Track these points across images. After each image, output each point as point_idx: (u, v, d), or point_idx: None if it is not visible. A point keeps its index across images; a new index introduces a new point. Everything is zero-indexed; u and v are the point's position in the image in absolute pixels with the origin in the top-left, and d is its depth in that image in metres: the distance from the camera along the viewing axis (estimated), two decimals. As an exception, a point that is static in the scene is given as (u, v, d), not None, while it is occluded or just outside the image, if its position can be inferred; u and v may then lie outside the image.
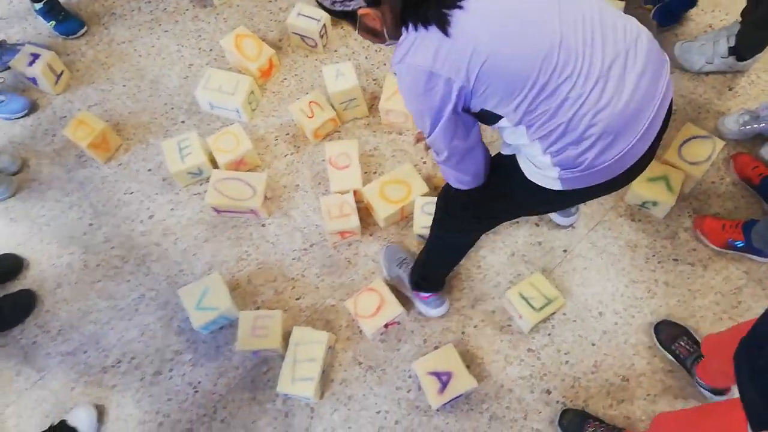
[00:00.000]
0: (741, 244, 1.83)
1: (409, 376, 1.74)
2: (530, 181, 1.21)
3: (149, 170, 2.13)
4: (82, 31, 2.43)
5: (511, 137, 1.18)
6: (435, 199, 1.74)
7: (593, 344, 1.78)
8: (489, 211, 1.39)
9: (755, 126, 2.03)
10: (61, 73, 2.30)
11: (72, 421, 1.62)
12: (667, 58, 1.18)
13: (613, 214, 1.99)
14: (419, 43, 1.03)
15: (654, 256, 1.91)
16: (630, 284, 1.87)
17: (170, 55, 2.39)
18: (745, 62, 2.17)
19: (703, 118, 2.13)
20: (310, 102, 2.13)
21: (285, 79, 2.31)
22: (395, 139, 2.16)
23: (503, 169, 1.27)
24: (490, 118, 1.14)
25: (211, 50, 2.39)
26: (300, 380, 1.63)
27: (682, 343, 1.71)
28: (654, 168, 1.92)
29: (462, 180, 1.27)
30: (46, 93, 2.29)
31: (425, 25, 1.02)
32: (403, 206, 1.92)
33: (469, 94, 1.06)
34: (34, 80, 2.24)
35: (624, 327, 1.81)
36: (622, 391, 1.72)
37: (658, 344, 1.76)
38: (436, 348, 1.77)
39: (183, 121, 2.23)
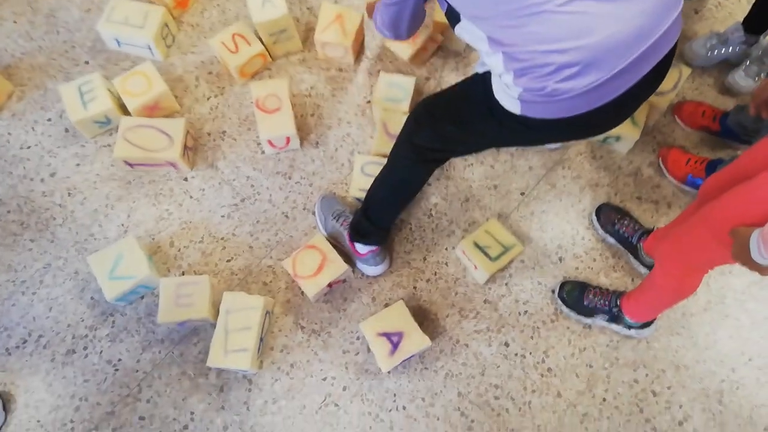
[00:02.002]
0: (700, 182, 1.78)
1: (357, 338, 1.65)
2: (495, 100, 1.19)
3: (49, 120, 1.90)
4: (-42, -44, 2.12)
5: (474, 40, 1.15)
6: (376, 158, 1.62)
7: (553, 291, 1.72)
8: (454, 129, 1.35)
9: (722, 50, 1.96)
10: (-66, 8, 2.01)
11: (-30, 413, 1.47)
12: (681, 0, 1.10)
13: (573, 151, 1.90)
14: None
15: (616, 194, 1.85)
16: (590, 226, 1.80)
17: (68, -17, 2.12)
18: (711, -19, 2.07)
19: (668, 44, 2.04)
20: (234, 35, 1.92)
21: (205, 9, 2.09)
22: (335, 76, 1.99)
23: (474, 89, 1.27)
24: (453, 14, 1.17)
25: (116, -23, 2.12)
26: (234, 352, 1.51)
27: (626, 222, 1.72)
28: (616, 99, 1.84)
29: (383, 22, 1.45)
30: None
31: None
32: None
33: None
34: None
35: (585, 272, 1.75)
36: (584, 338, 1.68)
37: (599, 228, 1.77)
38: (386, 306, 1.67)
39: (87, 62, 1.99)
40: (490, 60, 1.14)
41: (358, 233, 1.63)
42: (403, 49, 1.93)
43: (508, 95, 1.15)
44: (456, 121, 1.34)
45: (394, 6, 1.38)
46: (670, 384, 1.64)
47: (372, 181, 1.59)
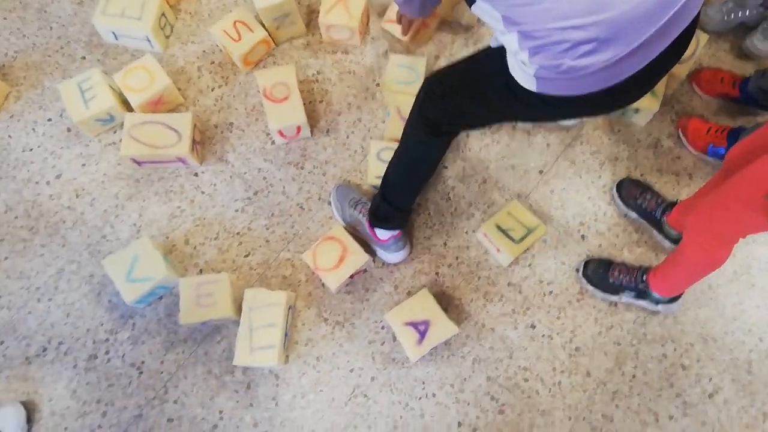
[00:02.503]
0: (723, 151, 1.77)
1: (382, 327, 1.65)
2: (511, 76, 1.17)
3: (49, 120, 1.87)
4: (-60, -48, 2.07)
5: (488, 19, 1.11)
6: (391, 144, 1.58)
7: (577, 270, 1.72)
8: (468, 102, 1.34)
9: (740, 14, 1.93)
10: None
11: (-4, 424, 1.47)
12: None
13: (590, 126, 1.89)
14: None
15: (636, 168, 1.84)
16: (612, 202, 1.80)
17: (57, -25, 2.07)
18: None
19: (681, 9, 2.01)
20: (236, 22, 1.89)
21: (202, -5, 2.05)
22: (340, 59, 1.97)
23: (489, 61, 1.25)
24: None
25: (106, -34, 2.08)
26: (260, 349, 1.52)
27: (648, 196, 1.72)
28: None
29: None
30: None
31: None
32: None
33: None
34: None
35: (608, 248, 1.76)
36: (611, 316, 1.69)
37: (620, 203, 1.77)
38: (408, 294, 1.68)
39: (84, 57, 1.96)
40: (504, 38, 1.12)
41: (378, 218, 1.62)
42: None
43: (524, 72, 1.13)
44: (470, 94, 1.32)
45: None
46: (699, 357, 1.65)
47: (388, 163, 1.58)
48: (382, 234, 1.63)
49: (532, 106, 1.24)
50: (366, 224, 1.64)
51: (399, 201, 1.59)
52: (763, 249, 1.75)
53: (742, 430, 1.58)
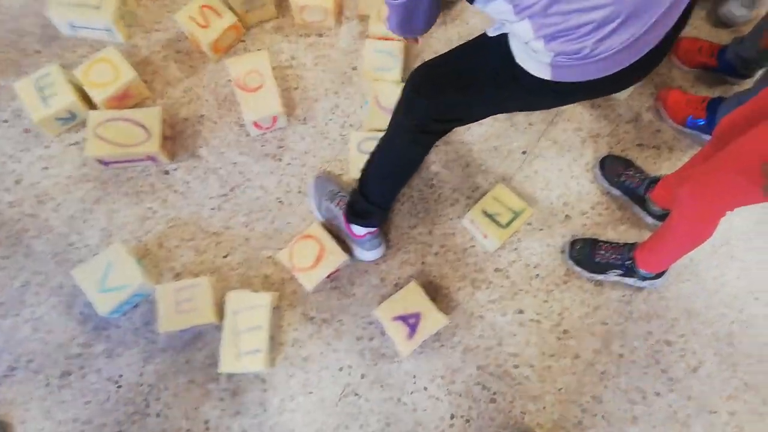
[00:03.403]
0: (702, 122, 1.64)
1: (370, 323, 1.49)
2: (518, 66, 1.02)
3: (5, 122, 1.63)
4: None
5: (495, 12, 0.96)
6: (372, 134, 1.40)
7: (563, 252, 1.58)
8: (461, 97, 1.15)
9: (715, -18, 1.78)
10: None
11: (-34, 454, 1.28)
12: None
13: (570, 103, 1.72)
14: None
15: (618, 144, 1.70)
16: (595, 180, 1.65)
17: (4, -37, 1.80)
18: None
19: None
20: (202, 6, 1.67)
21: (163, -20, 1.81)
22: (315, 42, 1.75)
23: (486, 51, 1.10)
24: None
25: (58, -48, 1.81)
26: (246, 354, 1.35)
27: (631, 173, 1.59)
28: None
29: (391, 23, 1.14)
30: None
31: None
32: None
33: None
34: None
35: (593, 228, 1.62)
36: (597, 296, 1.56)
37: (604, 181, 1.63)
38: (395, 286, 1.52)
39: (39, 51, 1.71)
40: (515, 28, 0.95)
41: (355, 214, 1.43)
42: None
43: (536, 61, 0.99)
44: (463, 88, 1.14)
45: (403, 4, 1.14)
46: (683, 332, 1.54)
47: (368, 157, 1.39)
48: (358, 230, 1.45)
49: (535, 94, 1.08)
50: (342, 218, 1.46)
51: (378, 198, 1.40)
52: (740, 220, 1.63)
53: (725, 401, 1.48)
